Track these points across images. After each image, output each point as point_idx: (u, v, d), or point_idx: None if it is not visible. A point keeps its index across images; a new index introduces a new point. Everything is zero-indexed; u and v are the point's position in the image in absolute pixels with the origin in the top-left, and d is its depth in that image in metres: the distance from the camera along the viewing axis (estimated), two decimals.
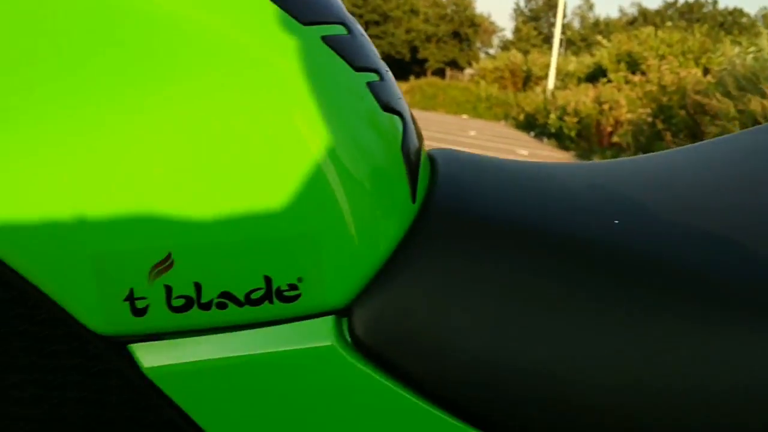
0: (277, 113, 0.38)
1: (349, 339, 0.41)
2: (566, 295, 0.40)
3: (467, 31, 44.74)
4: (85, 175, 0.36)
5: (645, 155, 0.58)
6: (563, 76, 19.80)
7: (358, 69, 0.42)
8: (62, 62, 0.37)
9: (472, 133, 15.04)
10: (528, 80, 24.51)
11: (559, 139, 13.05)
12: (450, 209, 0.44)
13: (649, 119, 8.22)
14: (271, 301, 0.39)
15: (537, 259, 0.42)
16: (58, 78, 0.36)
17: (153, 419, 0.40)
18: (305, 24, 0.41)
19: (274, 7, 0.40)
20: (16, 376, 0.39)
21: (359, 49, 0.43)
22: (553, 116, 13.58)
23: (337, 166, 0.38)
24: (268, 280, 0.38)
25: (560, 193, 0.49)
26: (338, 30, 0.42)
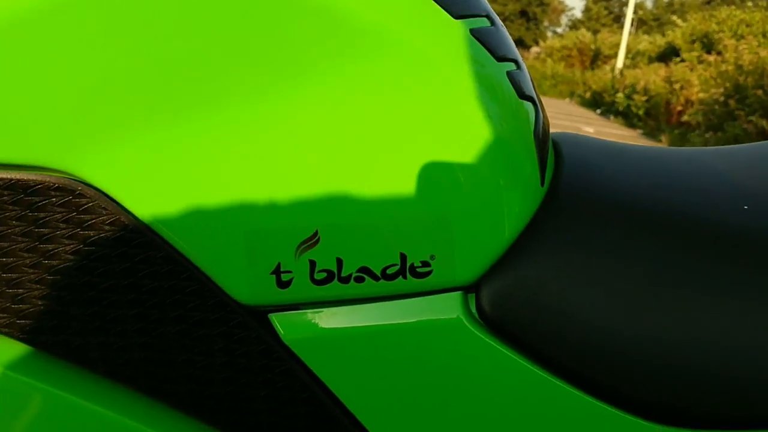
0: (425, 102, 0.40)
1: (475, 313, 0.43)
2: (693, 276, 0.42)
3: (535, 11, 43.97)
4: (241, 162, 0.39)
5: (756, 143, 0.58)
6: (633, 56, 19.32)
7: (499, 59, 0.44)
8: (224, 59, 0.39)
9: None
10: (596, 59, 24.02)
11: (626, 117, 12.78)
12: (577, 192, 0.45)
13: (722, 99, 7.98)
14: (404, 277, 0.41)
15: (663, 240, 0.43)
16: (219, 74, 0.39)
17: (288, 383, 0.43)
18: (456, 17, 0.43)
19: (430, 1, 0.42)
20: (168, 342, 0.42)
21: (501, 39, 0.46)
22: (620, 95, 13.29)
23: (474, 153, 0.40)
24: (403, 257, 0.41)
25: (682, 176, 0.50)
26: (483, 22, 0.45)
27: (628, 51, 19.90)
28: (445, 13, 0.43)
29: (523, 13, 43.73)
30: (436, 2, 0.42)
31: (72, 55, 0.39)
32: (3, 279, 0.41)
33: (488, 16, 0.46)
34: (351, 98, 0.39)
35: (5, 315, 0.42)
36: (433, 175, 0.40)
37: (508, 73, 0.44)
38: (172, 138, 0.39)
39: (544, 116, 0.47)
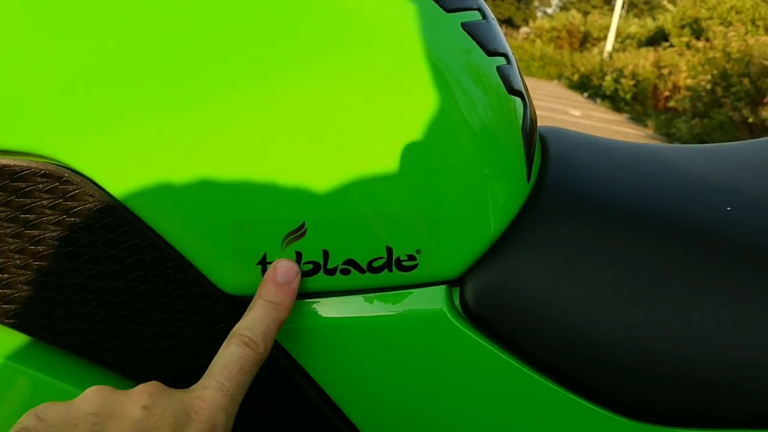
0: (413, 95, 0.40)
1: (459, 307, 0.43)
2: (674, 272, 0.43)
3: None
4: (229, 153, 0.39)
5: (746, 141, 0.59)
6: (623, 39, 19.31)
7: (490, 53, 0.44)
8: (212, 51, 0.39)
9: None
10: (585, 41, 23.99)
11: (613, 101, 12.81)
12: (562, 188, 0.46)
13: (709, 86, 8.01)
14: (390, 270, 0.41)
15: (645, 238, 0.44)
16: (208, 65, 0.39)
17: (273, 372, 0.43)
18: (448, 11, 0.43)
19: None
20: (153, 329, 0.42)
21: (492, 33, 0.46)
22: (608, 78, 13.30)
23: (461, 147, 0.41)
24: (389, 251, 0.41)
25: (667, 172, 0.51)
26: (475, 16, 0.45)
27: (618, 34, 19.89)
28: (438, 6, 0.43)
29: None
30: None
31: (61, 41, 0.38)
32: None
33: (480, 10, 0.46)
34: (338, 91, 0.39)
35: None
36: (420, 169, 0.40)
37: (498, 68, 0.44)
38: (159, 127, 0.39)
39: (532, 111, 0.48)
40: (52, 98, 0.38)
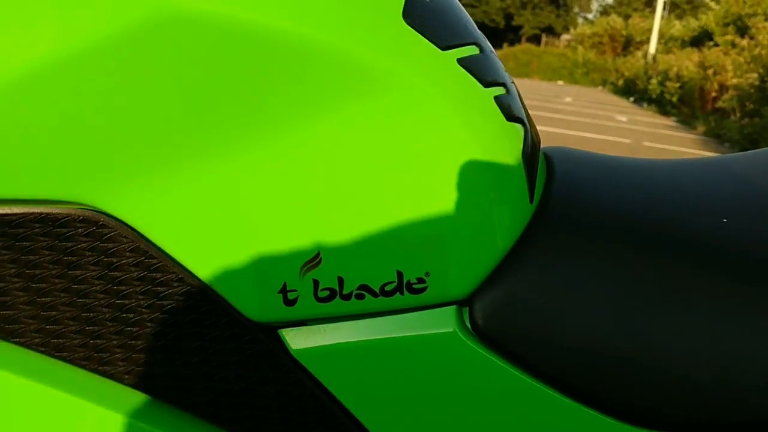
0: (415, 131, 0.43)
1: (469, 326, 0.46)
2: (679, 288, 0.45)
3: None
4: (249, 192, 0.43)
5: (752, 152, 0.60)
6: (666, 41, 19.04)
7: (487, 84, 0.47)
8: (233, 103, 0.43)
9: (568, 99, 14.73)
10: (628, 45, 23.72)
11: (660, 104, 12.64)
12: (565, 207, 0.48)
13: (757, 83, 7.86)
14: (402, 293, 0.44)
15: (649, 255, 0.46)
16: (227, 116, 0.43)
17: (299, 392, 0.47)
18: (443, 48, 0.46)
19: (416, 35, 0.45)
20: (188, 357, 0.46)
21: (489, 65, 0.48)
22: (653, 81, 13.14)
23: (464, 174, 0.43)
24: (399, 275, 0.44)
25: (669, 189, 0.53)
26: (471, 51, 0.47)
27: (661, 36, 19.63)
28: (432, 45, 0.45)
29: (553, 0, 43.33)
30: (423, 36, 0.45)
31: (93, 99, 0.42)
32: (38, 303, 0.46)
33: (476, 43, 0.48)
34: (347, 132, 0.43)
35: (41, 335, 0.46)
36: (425, 197, 0.43)
37: (496, 98, 0.47)
38: (184, 171, 0.43)
39: (533, 135, 0.50)
40: (87, 152, 0.42)
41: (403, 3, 0.45)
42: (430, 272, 0.44)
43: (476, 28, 0.51)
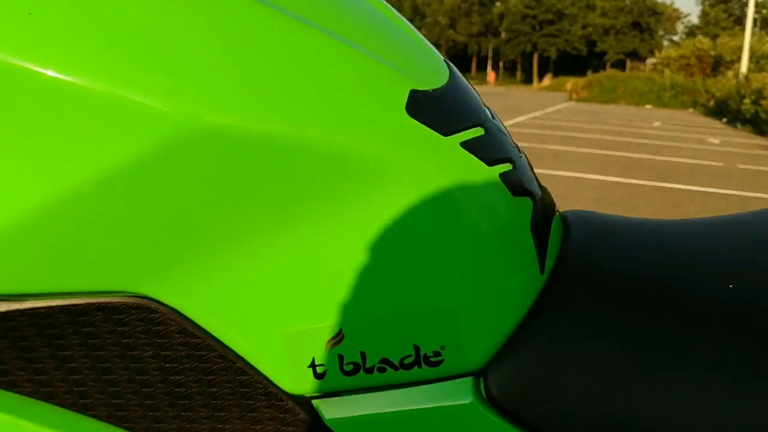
0: (424, 216, 0.47)
1: (485, 397, 0.49)
2: (694, 355, 0.46)
3: (648, 21, 42.72)
4: (277, 274, 0.47)
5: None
6: (758, 58, 18.39)
7: (492, 163, 0.49)
8: (263, 205, 0.47)
9: (657, 123, 14.36)
10: (717, 65, 23.01)
11: (755, 124, 12.16)
12: (575, 277, 0.51)
13: None
14: (420, 366, 0.48)
15: (657, 324, 0.48)
16: (249, 215, 0.47)
17: None
18: (445, 135, 0.48)
19: (417, 124, 0.48)
20: (231, 426, 0.51)
21: (494, 144, 0.51)
22: (747, 101, 12.67)
23: (473, 250, 0.47)
24: (417, 349, 0.48)
25: (685, 252, 0.54)
26: (476, 133, 0.50)
27: (752, 54, 18.96)
28: (435, 132, 0.48)
29: (636, 24, 42.58)
30: (425, 125, 0.48)
31: (138, 201, 0.48)
32: (104, 380, 0.52)
33: (482, 125, 0.51)
34: (362, 222, 0.47)
35: (108, 408, 0.52)
36: (437, 275, 0.47)
37: (501, 175, 0.50)
38: (222, 263, 0.48)
39: (545, 204, 0.53)
40: (140, 250, 0.48)
41: (406, 98, 0.49)
42: (445, 345, 0.47)
43: (484, 109, 0.54)
